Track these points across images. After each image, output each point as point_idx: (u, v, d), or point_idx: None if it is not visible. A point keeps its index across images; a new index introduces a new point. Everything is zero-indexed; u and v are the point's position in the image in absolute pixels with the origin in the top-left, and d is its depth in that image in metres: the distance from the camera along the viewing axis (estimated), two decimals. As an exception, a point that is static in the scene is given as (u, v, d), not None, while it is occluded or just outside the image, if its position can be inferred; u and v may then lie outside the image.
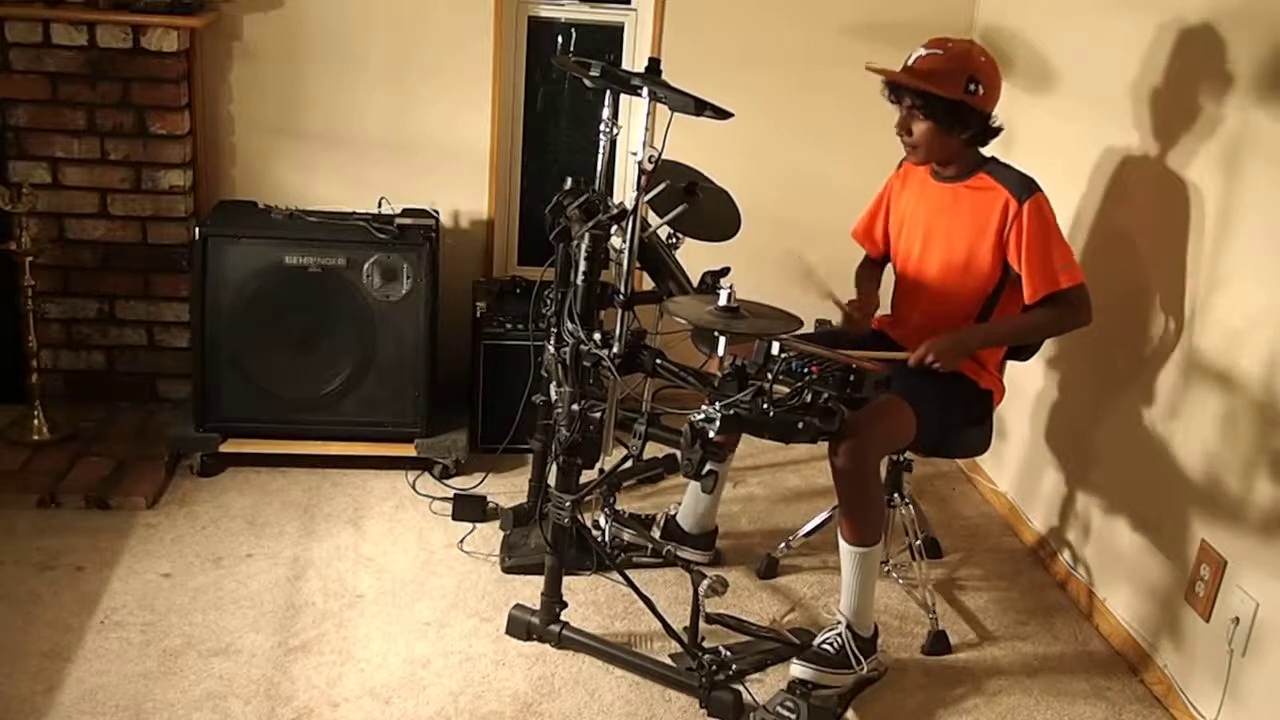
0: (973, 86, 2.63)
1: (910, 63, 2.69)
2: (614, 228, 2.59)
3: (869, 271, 3.07)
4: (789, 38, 3.80)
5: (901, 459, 2.96)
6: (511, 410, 3.36)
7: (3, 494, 3.13)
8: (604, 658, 2.68)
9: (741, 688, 2.58)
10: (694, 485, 3.01)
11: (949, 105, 2.64)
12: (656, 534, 3.06)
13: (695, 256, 2.86)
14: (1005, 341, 2.85)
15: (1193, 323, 2.70)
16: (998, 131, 2.75)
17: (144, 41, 3.38)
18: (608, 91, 2.81)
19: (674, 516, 3.12)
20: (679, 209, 2.71)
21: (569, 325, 2.57)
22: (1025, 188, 2.66)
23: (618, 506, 3.00)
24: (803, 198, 3.91)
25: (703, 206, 2.87)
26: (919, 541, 2.98)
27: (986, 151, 2.80)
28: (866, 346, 2.81)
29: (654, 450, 2.48)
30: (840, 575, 2.67)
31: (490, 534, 3.19)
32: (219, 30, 3.61)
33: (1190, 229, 2.71)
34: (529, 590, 2.84)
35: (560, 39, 3.91)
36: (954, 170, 2.77)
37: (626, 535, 3.01)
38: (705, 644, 2.60)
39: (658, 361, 2.49)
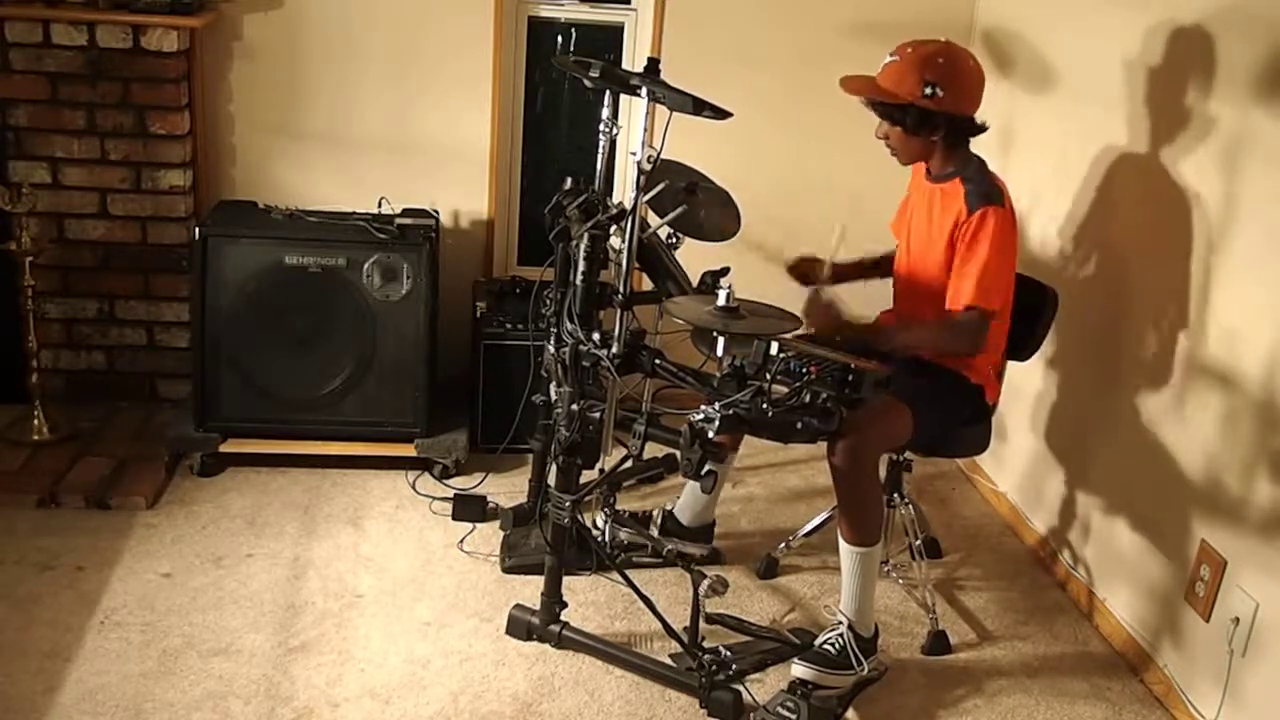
0: (929, 90, 2.63)
1: (878, 70, 2.71)
2: (613, 228, 2.59)
3: (881, 256, 3.05)
4: (788, 38, 3.80)
5: (901, 459, 2.96)
6: (511, 410, 3.36)
7: (3, 494, 3.13)
8: (604, 658, 2.68)
9: (741, 688, 2.58)
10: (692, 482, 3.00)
11: (906, 110, 2.66)
12: (655, 530, 3.06)
13: (695, 256, 2.86)
14: (898, 344, 2.76)
15: (1193, 323, 2.70)
16: (977, 129, 2.73)
17: (144, 41, 3.38)
18: (607, 91, 2.81)
19: (671, 512, 3.12)
20: (679, 209, 2.71)
21: (568, 325, 2.58)
22: (982, 199, 2.64)
23: (618, 506, 3.00)
24: (803, 197, 3.90)
25: (703, 206, 2.87)
26: (919, 541, 2.98)
27: (982, 154, 2.79)
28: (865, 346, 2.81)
29: (654, 450, 2.48)
30: (840, 575, 2.67)
31: (490, 534, 3.19)
32: (219, 30, 3.61)
33: (1190, 229, 2.70)
34: (529, 590, 2.84)
35: (560, 39, 3.91)
36: (938, 170, 2.78)
37: (624, 534, 3.01)
38: (705, 644, 2.60)
39: (656, 362, 2.49)
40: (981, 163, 2.75)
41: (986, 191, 2.66)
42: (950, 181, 2.73)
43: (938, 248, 2.73)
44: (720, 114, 2.51)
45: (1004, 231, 2.63)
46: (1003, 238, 2.63)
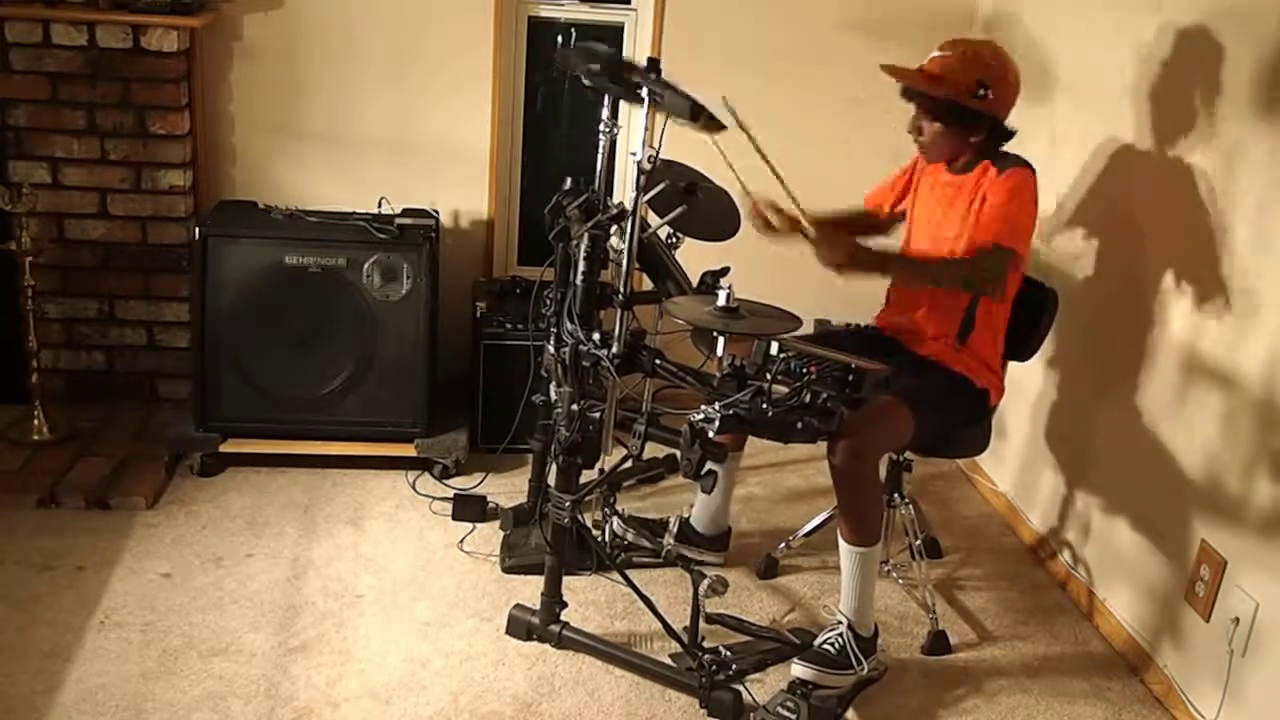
0: (982, 90, 2.63)
1: (926, 62, 2.69)
2: (613, 228, 2.59)
3: (846, 217, 2.99)
4: (788, 37, 3.80)
5: (901, 459, 2.96)
6: (511, 410, 3.36)
7: (3, 494, 3.13)
8: (604, 658, 2.68)
9: (741, 688, 2.58)
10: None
11: (955, 107, 2.65)
12: (670, 539, 3.05)
13: (695, 256, 2.86)
14: (906, 271, 2.75)
15: (1193, 323, 2.70)
16: (1010, 134, 2.74)
17: (144, 41, 3.38)
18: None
19: (687, 519, 3.12)
20: (679, 209, 2.71)
21: (568, 325, 2.58)
22: (1014, 162, 2.67)
23: (620, 508, 3.00)
24: (802, 196, 3.89)
25: (702, 206, 2.87)
26: (919, 541, 2.98)
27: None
28: (864, 345, 2.80)
29: (654, 450, 2.48)
30: (840, 575, 2.67)
31: (490, 534, 3.19)
32: (219, 30, 3.61)
33: (1190, 228, 2.70)
34: (529, 590, 2.84)
35: (560, 39, 3.91)
36: (962, 163, 2.78)
37: (631, 536, 3.01)
38: (705, 644, 2.60)
39: (657, 362, 2.49)
40: (1005, 152, 2.76)
41: (1016, 159, 2.69)
42: (977, 167, 2.74)
43: (956, 230, 2.71)
44: (715, 126, 2.49)
45: (1030, 191, 2.65)
46: (1029, 196, 2.64)
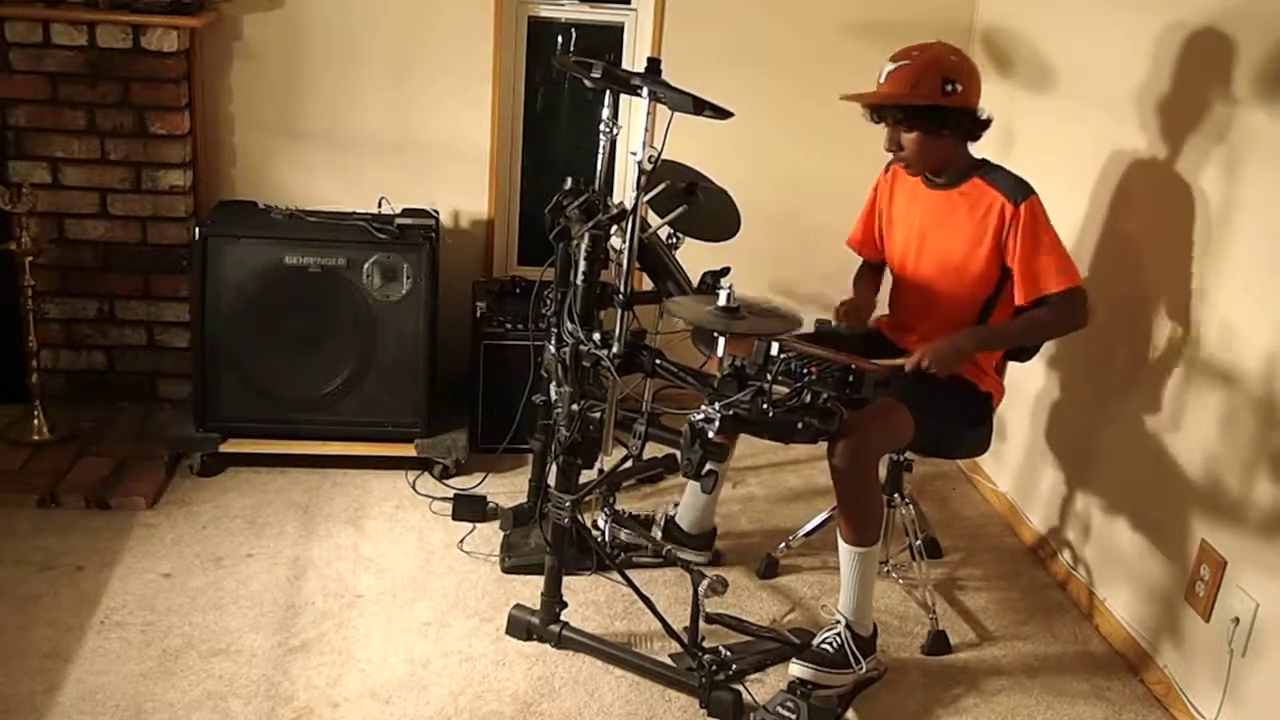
0: (949, 87, 2.63)
1: (881, 80, 2.69)
2: (614, 228, 2.59)
3: (868, 275, 3.07)
4: (788, 38, 3.80)
5: (901, 459, 2.96)
6: (511, 410, 3.36)
7: (3, 494, 3.13)
8: (604, 658, 2.68)
9: (741, 688, 2.58)
10: (693, 484, 3.01)
11: (929, 111, 2.64)
12: (657, 534, 3.06)
13: (695, 256, 2.86)
14: (1002, 345, 2.85)
15: (1193, 323, 2.70)
16: (987, 123, 2.73)
17: (144, 41, 3.38)
18: (608, 91, 2.81)
19: (673, 517, 3.12)
20: (679, 209, 2.71)
21: (569, 325, 2.58)
22: (1020, 191, 2.66)
23: (618, 506, 3.00)
24: (802, 197, 3.91)
25: (703, 206, 2.87)
26: (919, 541, 2.98)
27: (980, 152, 2.80)
28: (865, 346, 2.81)
29: (654, 450, 2.48)
30: (840, 575, 2.67)
31: (490, 534, 3.19)
32: (219, 30, 3.61)
33: (1191, 229, 2.70)
34: (529, 590, 2.84)
35: (560, 39, 3.91)
36: (947, 177, 2.77)
37: (624, 535, 3.01)
38: (705, 644, 2.60)
39: (657, 362, 2.49)
40: (986, 160, 2.76)
41: (1018, 183, 2.69)
42: (967, 183, 2.73)
43: (973, 250, 2.71)
44: (721, 114, 2.51)
45: (1044, 211, 2.68)
46: (1046, 217, 2.68)
